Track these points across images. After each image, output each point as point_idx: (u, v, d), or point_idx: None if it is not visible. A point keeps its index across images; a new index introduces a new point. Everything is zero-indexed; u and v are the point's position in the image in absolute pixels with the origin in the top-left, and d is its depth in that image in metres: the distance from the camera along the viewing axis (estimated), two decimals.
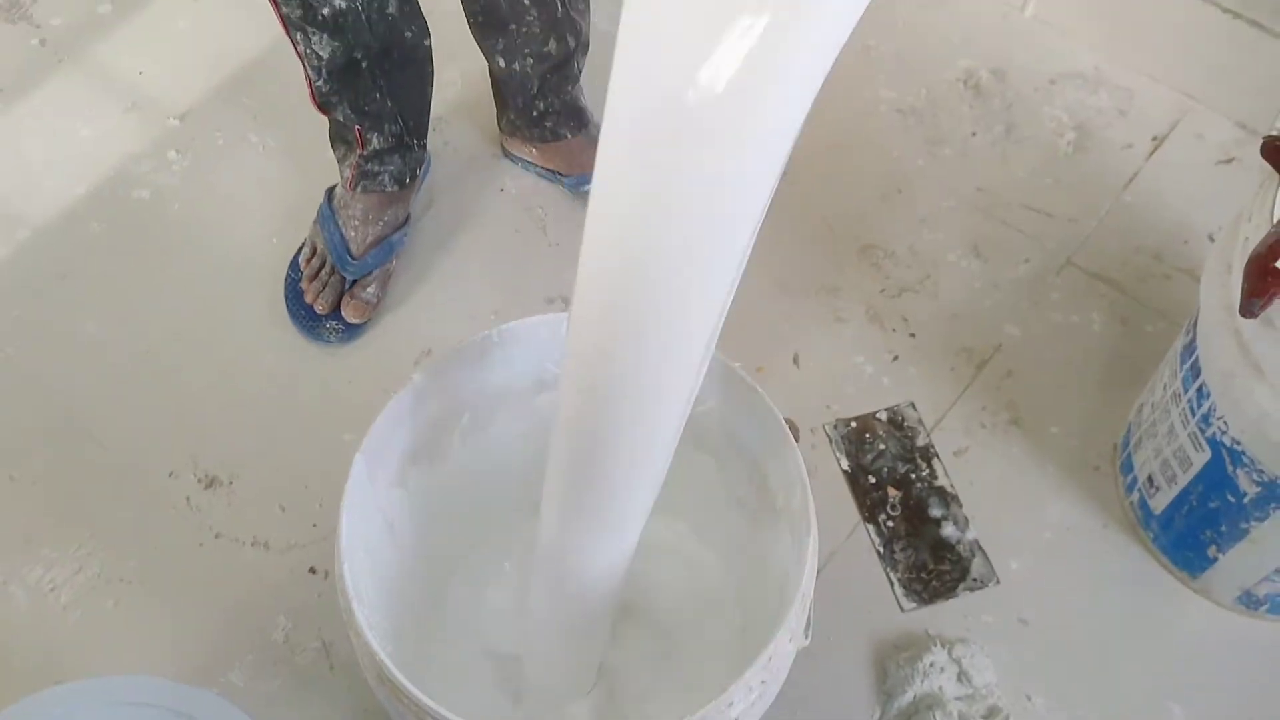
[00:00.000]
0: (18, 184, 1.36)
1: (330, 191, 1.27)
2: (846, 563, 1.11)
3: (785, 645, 0.78)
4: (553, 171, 1.33)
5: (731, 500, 0.97)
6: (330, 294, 1.23)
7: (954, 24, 1.50)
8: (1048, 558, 1.12)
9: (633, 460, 0.66)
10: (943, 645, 1.05)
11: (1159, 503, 1.07)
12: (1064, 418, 1.20)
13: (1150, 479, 1.08)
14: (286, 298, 1.26)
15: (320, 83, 1.12)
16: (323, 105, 1.16)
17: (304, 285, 1.24)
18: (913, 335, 1.26)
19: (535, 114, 1.28)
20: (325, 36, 1.07)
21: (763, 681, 0.77)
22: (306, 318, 1.24)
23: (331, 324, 1.23)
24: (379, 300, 1.25)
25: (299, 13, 1.05)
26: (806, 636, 0.82)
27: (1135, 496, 1.11)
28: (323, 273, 1.24)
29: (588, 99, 1.31)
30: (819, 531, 0.82)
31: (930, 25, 1.50)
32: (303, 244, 1.27)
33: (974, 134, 1.41)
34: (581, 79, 1.28)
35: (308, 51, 1.09)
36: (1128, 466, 1.13)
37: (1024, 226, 1.34)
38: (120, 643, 1.07)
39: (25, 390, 1.22)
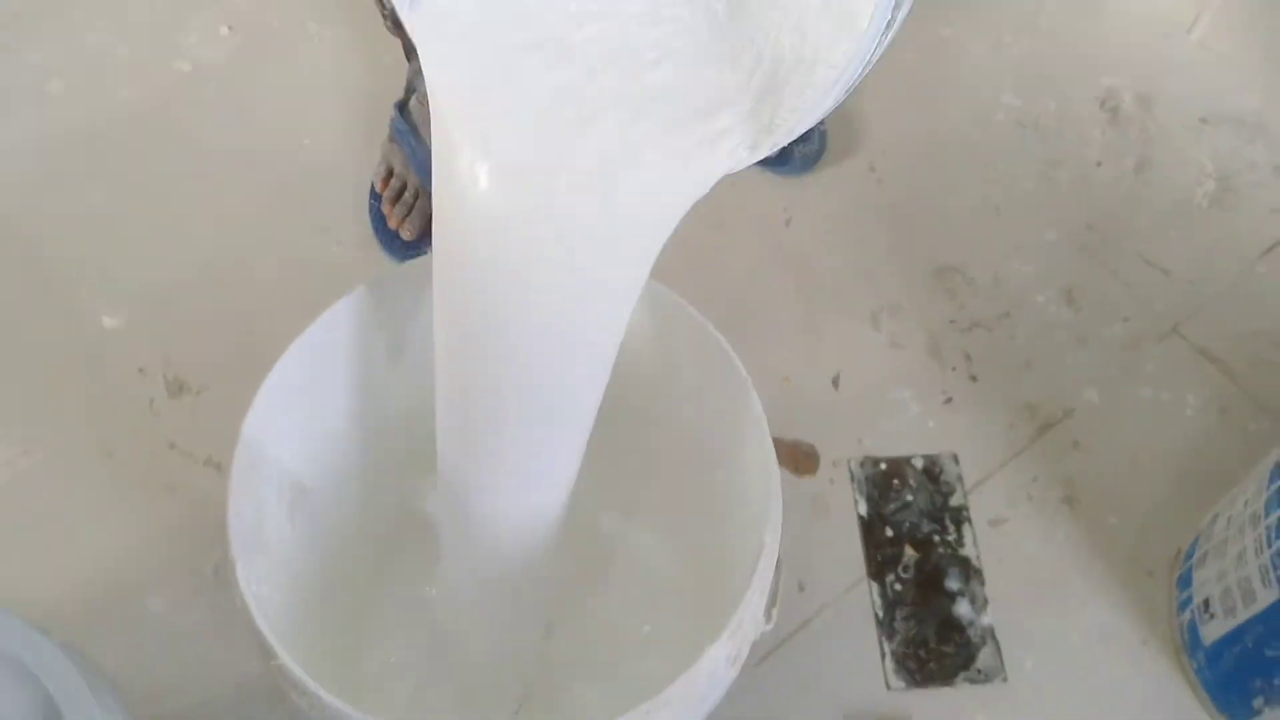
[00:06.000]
0: (59, 39, 1.27)
1: (401, 105, 1.15)
2: (838, 620, 0.98)
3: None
4: None
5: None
6: (418, 218, 1.12)
7: (1104, 35, 1.33)
8: (1070, 664, 0.97)
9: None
10: None
11: (1211, 633, 0.92)
12: (1127, 509, 1.04)
13: (1207, 603, 0.92)
14: (372, 223, 1.15)
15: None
16: (395, 26, 1.03)
17: (385, 210, 1.13)
18: (974, 378, 1.11)
19: None
20: None
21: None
22: (394, 247, 1.13)
23: (425, 249, 1.12)
24: None
25: None
26: (769, 620, 0.73)
27: (1186, 618, 0.96)
28: (405, 195, 1.13)
29: None
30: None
31: (1076, 32, 1.33)
32: (379, 167, 1.16)
33: (1099, 164, 1.24)
34: None
35: None
36: (1185, 581, 0.97)
37: (1132, 279, 1.17)
38: (48, 540, 0.99)
39: (12, 252, 1.15)
